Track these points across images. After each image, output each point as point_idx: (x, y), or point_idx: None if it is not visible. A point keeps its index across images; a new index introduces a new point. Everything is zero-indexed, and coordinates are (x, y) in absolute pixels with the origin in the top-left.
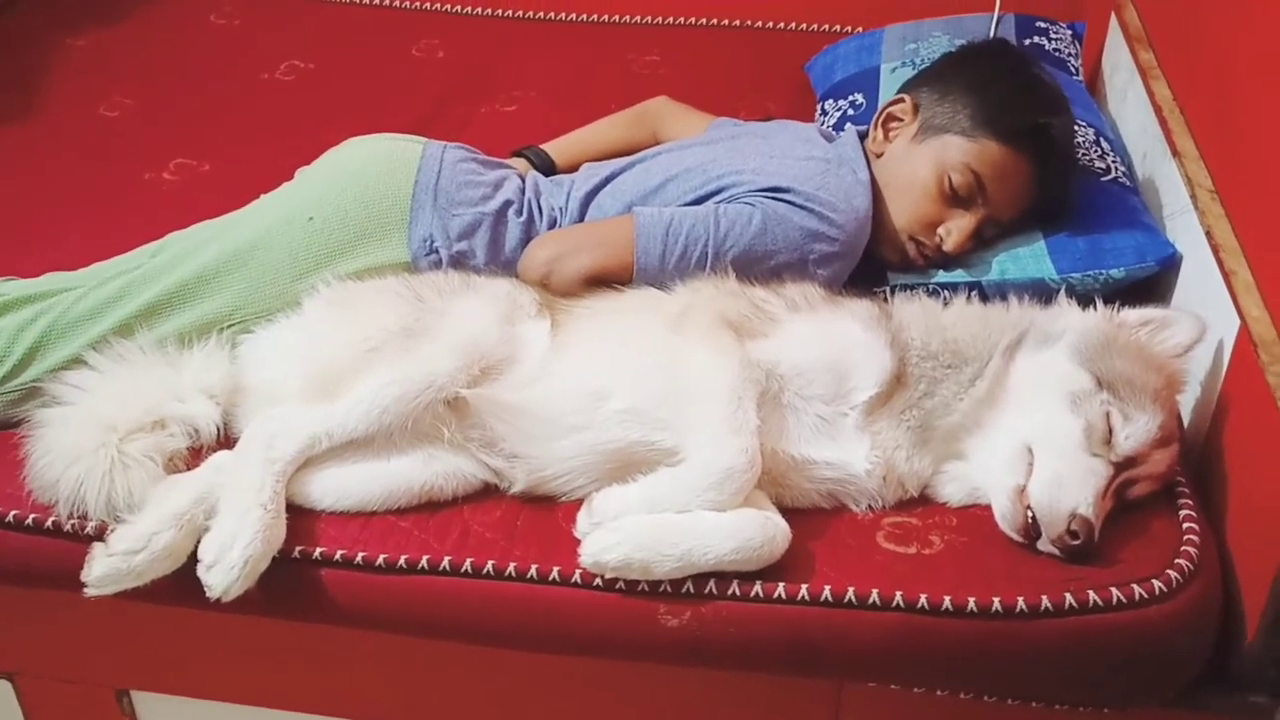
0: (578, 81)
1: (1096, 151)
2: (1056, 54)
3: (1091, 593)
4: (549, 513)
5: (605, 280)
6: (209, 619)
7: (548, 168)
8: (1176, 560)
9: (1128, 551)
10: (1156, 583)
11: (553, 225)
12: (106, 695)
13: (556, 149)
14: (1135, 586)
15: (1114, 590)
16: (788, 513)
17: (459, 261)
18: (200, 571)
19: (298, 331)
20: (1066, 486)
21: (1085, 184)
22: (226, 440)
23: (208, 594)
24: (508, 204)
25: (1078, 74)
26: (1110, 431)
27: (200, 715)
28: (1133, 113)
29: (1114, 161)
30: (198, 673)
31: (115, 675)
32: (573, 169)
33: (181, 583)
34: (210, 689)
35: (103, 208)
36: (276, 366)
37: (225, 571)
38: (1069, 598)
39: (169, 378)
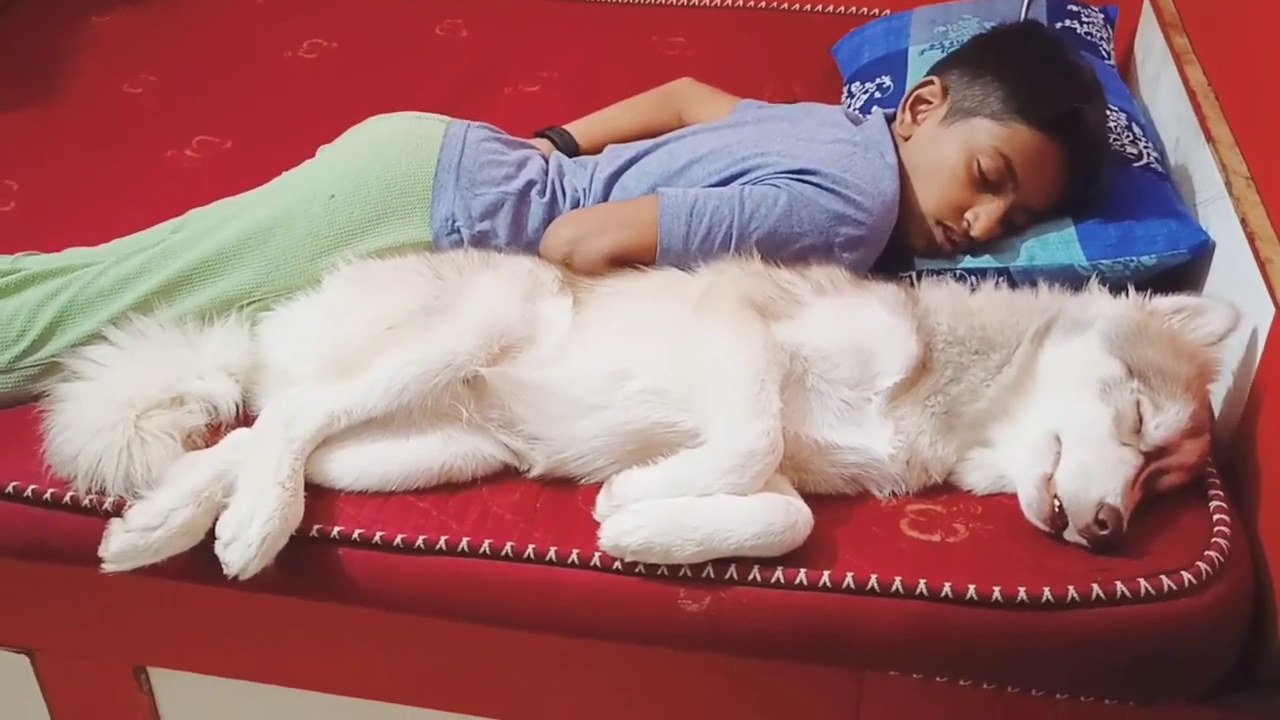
0: (602, 62)
1: (1128, 137)
2: (1088, 38)
3: (1119, 584)
4: (568, 495)
5: (628, 261)
6: (226, 597)
7: (571, 149)
8: (1206, 553)
9: (1156, 543)
10: (1186, 575)
11: (576, 206)
12: (124, 672)
13: (580, 130)
14: (1164, 579)
15: (1142, 582)
16: (810, 498)
17: (481, 241)
18: (218, 549)
19: (317, 309)
20: (1095, 476)
21: (1117, 170)
22: (245, 418)
23: (225, 571)
24: (531, 184)
25: (1109, 58)
26: (1140, 421)
27: (217, 693)
28: (1165, 98)
29: (1146, 148)
30: (215, 650)
31: (132, 652)
32: (596, 150)
33: (199, 560)
34: (227, 667)
35: (125, 184)
36: (296, 344)
37: (243, 549)
38: (1096, 589)
39: (188, 355)
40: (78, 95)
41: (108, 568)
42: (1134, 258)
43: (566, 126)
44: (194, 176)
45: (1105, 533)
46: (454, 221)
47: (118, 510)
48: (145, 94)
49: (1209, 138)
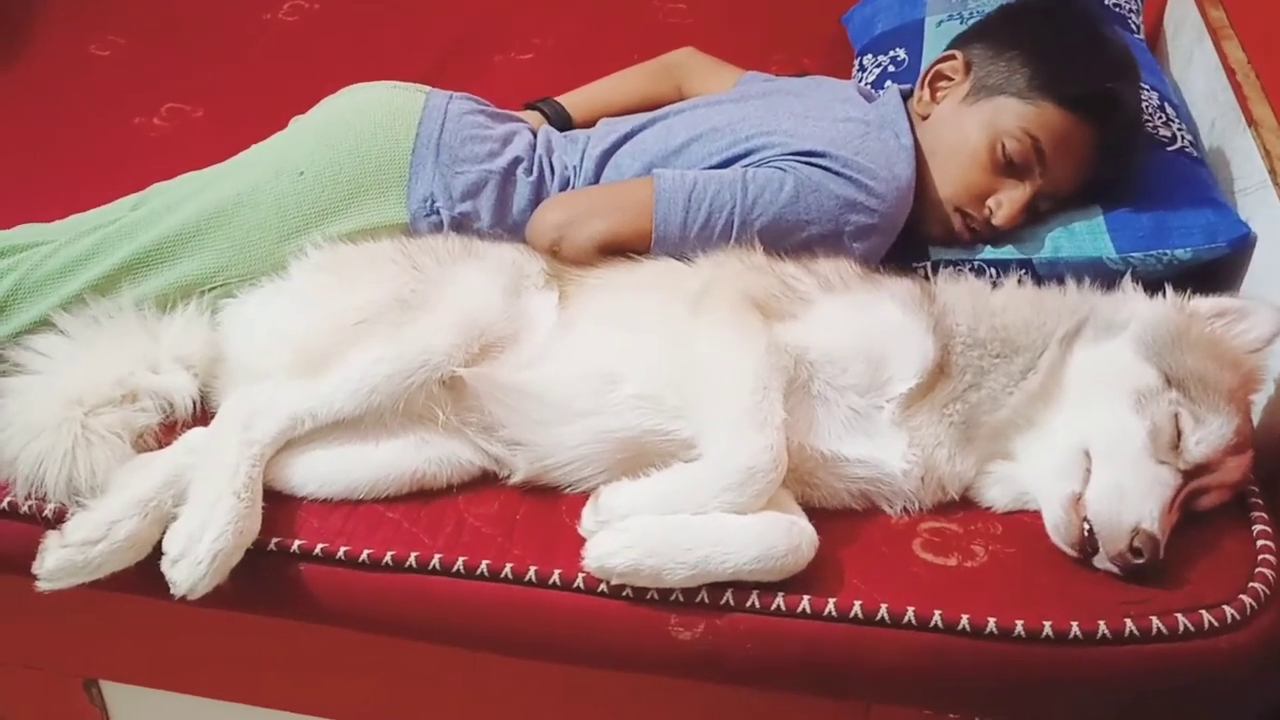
0: (599, 30)
1: (1161, 118)
2: (1116, 9)
3: (1154, 619)
4: (551, 506)
5: (620, 249)
6: (181, 609)
7: (563, 122)
8: (1250, 584)
9: (1195, 571)
10: (1228, 610)
11: (565, 186)
12: (74, 684)
13: (573, 102)
14: (1204, 614)
15: (1180, 618)
16: (815, 513)
17: (462, 224)
18: (164, 566)
19: (283, 298)
20: (1129, 497)
21: (1150, 155)
22: (203, 416)
23: (172, 591)
24: (517, 161)
25: (1138, 32)
26: (1179, 435)
27: (173, 709)
28: (1199, 76)
29: (1180, 130)
30: (170, 665)
31: (83, 664)
32: (589, 124)
33: (147, 574)
34: (184, 682)
35: (86, 154)
36: (259, 336)
37: (191, 567)
38: (1129, 624)
39: (143, 345)
40: (40, 57)
41: (42, 586)
42: (1167, 250)
43: (559, 98)
44: (161, 147)
45: (1140, 561)
46: (433, 202)
47: (59, 518)
48: (113, 57)
49: (1250, 120)
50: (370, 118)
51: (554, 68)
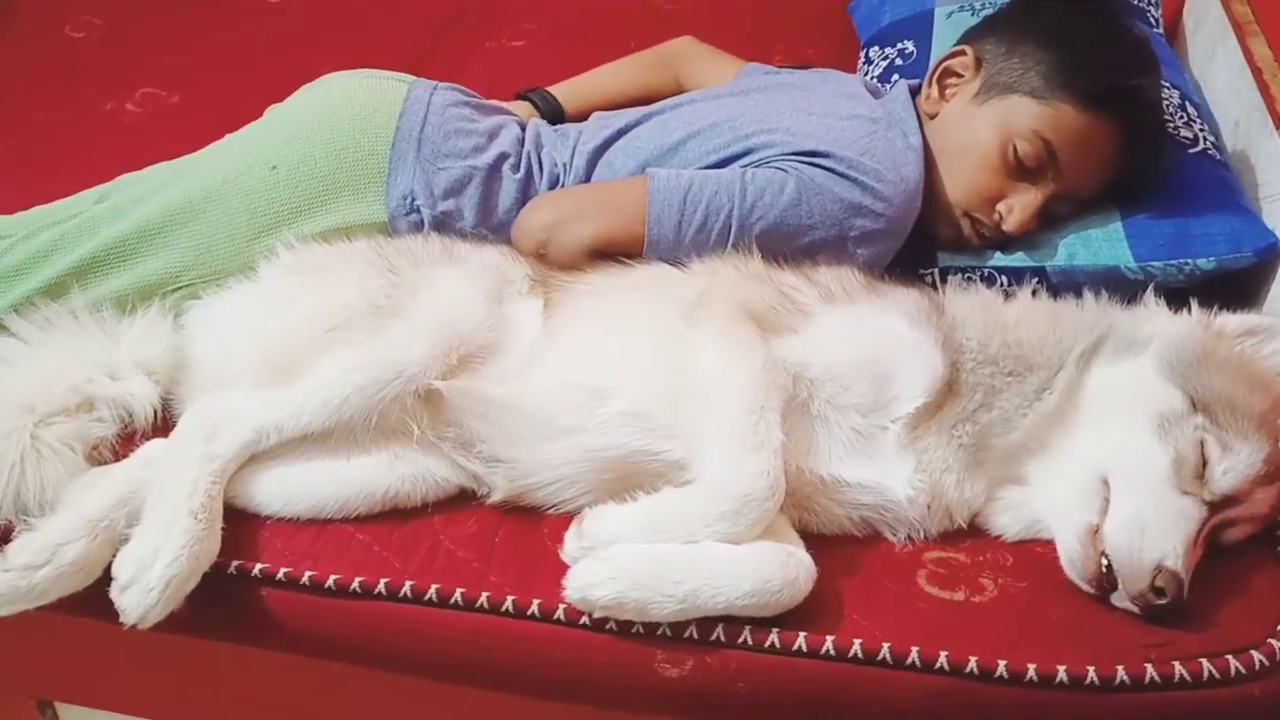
0: (594, 16)
1: (1182, 118)
2: (1134, 1)
3: (1177, 664)
4: (533, 528)
5: (611, 252)
6: (137, 633)
7: (555, 114)
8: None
9: (1221, 613)
10: (1256, 655)
11: (554, 184)
12: (28, 705)
13: (566, 92)
14: (1231, 660)
15: (1205, 663)
16: (813, 541)
17: (444, 223)
18: (113, 593)
19: (251, 300)
20: (1151, 532)
21: (1171, 156)
22: (164, 425)
23: (121, 620)
24: (503, 157)
25: (1157, 26)
26: (1204, 464)
27: None
28: (1222, 74)
29: (1202, 131)
30: (128, 688)
31: (37, 685)
32: (582, 117)
33: (98, 598)
34: (142, 706)
35: (55, 141)
36: (224, 341)
37: (142, 594)
38: (1150, 670)
39: (101, 349)
40: (14, 38)
41: None
42: (1189, 260)
43: (551, 88)
44: (133, 134)
45: (1163, 602)
46: (413, 200)
47: (6, 535)
48: (88, 38)
49: (1278, 123)
50: (348, 109)
51: (547, 55)
